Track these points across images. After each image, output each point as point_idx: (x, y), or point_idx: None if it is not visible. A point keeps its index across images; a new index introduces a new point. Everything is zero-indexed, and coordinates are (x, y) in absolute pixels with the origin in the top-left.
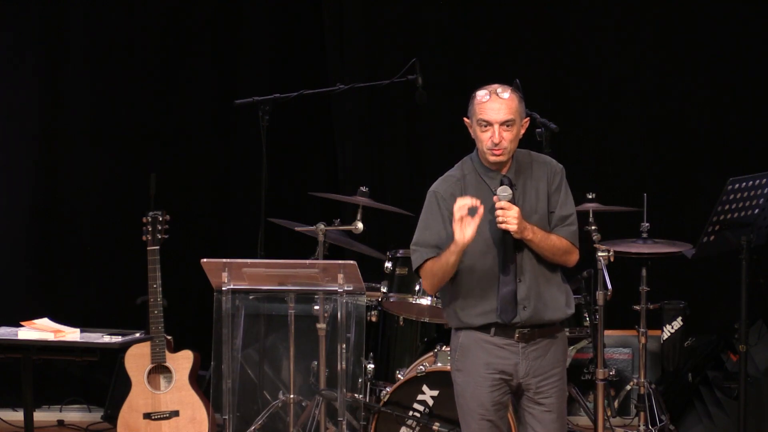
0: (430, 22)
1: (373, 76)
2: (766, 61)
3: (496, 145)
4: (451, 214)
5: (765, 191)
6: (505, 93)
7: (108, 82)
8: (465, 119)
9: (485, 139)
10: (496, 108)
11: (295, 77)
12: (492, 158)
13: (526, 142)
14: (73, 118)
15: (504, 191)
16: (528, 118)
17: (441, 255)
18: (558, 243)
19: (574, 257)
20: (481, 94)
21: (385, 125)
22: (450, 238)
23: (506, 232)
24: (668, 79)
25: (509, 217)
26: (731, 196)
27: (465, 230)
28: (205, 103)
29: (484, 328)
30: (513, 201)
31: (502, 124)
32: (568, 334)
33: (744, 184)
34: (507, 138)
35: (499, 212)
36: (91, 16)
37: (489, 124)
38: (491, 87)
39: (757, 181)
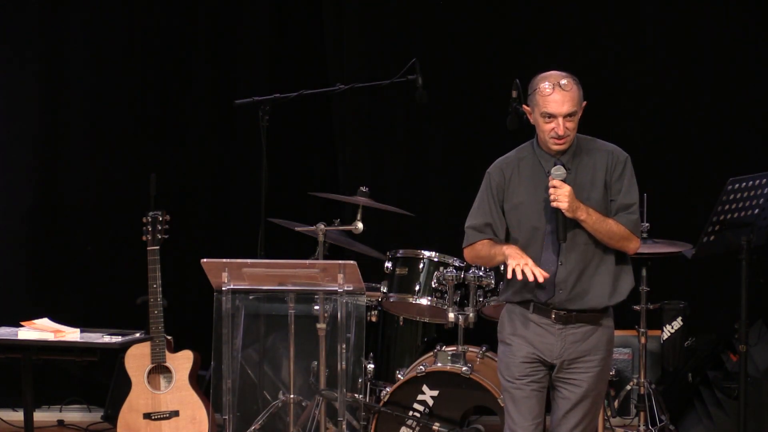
0: (430, 22)
1: (373, 76)
2: (766, 61)
3: (560, 136)
4: (498, 186)
5: (765, 191)
6: (567, 84)
7: (108, 82)
8: (524, 107)
9: (548, 129)
10: (559, 101)
11: (295, 77)
12: (555, 147)
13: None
14: (72, 118)
15: (558, 170)
16: (585, 101)
17: (492, 247)
18: (615, 228)
19: (633, 244)
20: (544, 86)
21: (385, 125)
22: (497, 212)
23: (557, 213)
24: (668, 79)
25: (560, 195)
26: (731, 196)
27: (520, 270)
28: (205, 103)
29: (524, 304)
30: (565, 182)
31: (565, 116)
32: None
33: (744, 184)
34: (570, 127)
35: (551, 190)
36: (90, 16)
37: (553, 116)
38: (553, 78)
39: (757, 181)
